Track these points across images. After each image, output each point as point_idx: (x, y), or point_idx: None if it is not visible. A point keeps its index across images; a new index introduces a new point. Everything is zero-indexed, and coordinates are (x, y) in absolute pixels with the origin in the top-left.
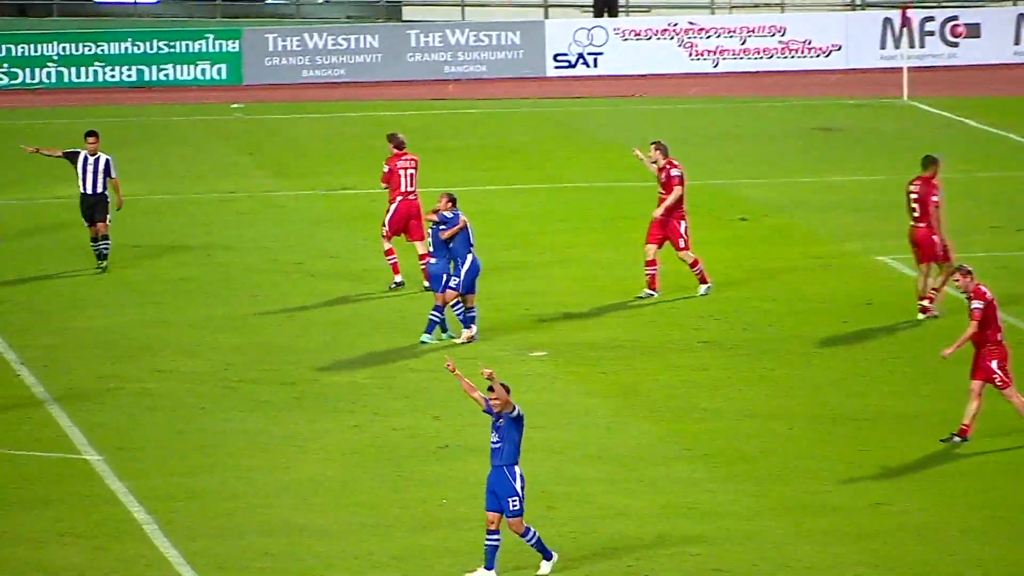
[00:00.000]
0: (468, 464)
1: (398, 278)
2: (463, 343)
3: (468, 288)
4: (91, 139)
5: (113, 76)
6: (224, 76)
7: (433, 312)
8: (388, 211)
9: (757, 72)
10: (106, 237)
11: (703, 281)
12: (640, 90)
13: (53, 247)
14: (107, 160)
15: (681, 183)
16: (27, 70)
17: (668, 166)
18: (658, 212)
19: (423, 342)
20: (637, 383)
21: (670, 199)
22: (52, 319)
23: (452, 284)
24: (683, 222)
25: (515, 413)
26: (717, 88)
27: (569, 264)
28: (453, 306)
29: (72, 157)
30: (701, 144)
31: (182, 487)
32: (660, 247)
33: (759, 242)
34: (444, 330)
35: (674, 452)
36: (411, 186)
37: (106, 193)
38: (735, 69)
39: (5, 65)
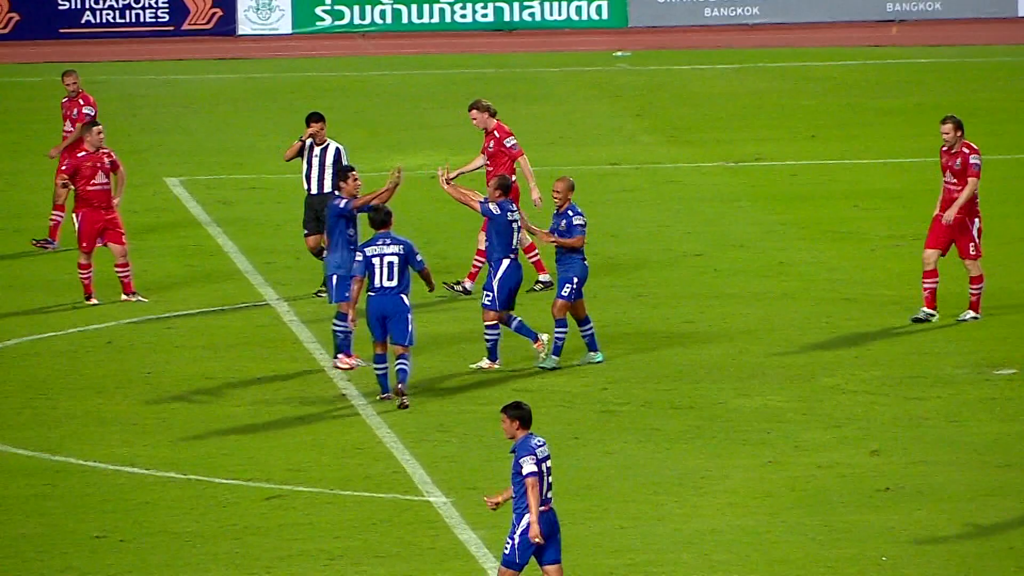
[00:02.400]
0: (917, 512)
1: (544, 276)
2: (482, 367)
3: (504, 304)
4: (315, 124)
5: (464, 16)
6: (605, 16)
7: (558, 332)
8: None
9: None
10: None
11: (974, 308)
12: None
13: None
14: (337, 150)
15: (979, 173)
16: (355, 8)
17: (965, 150)
18: (950, 214)
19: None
20: None
21: (964, 194)
22: None
23: (486, 301)
24: (976, 221)
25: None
26: None
27: None
28: (490, 328)
29: (301, 151)
30: None
31: None
32: (945, 253)
33: None
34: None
35: None
36: None
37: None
38: None
39: (328, 2)
